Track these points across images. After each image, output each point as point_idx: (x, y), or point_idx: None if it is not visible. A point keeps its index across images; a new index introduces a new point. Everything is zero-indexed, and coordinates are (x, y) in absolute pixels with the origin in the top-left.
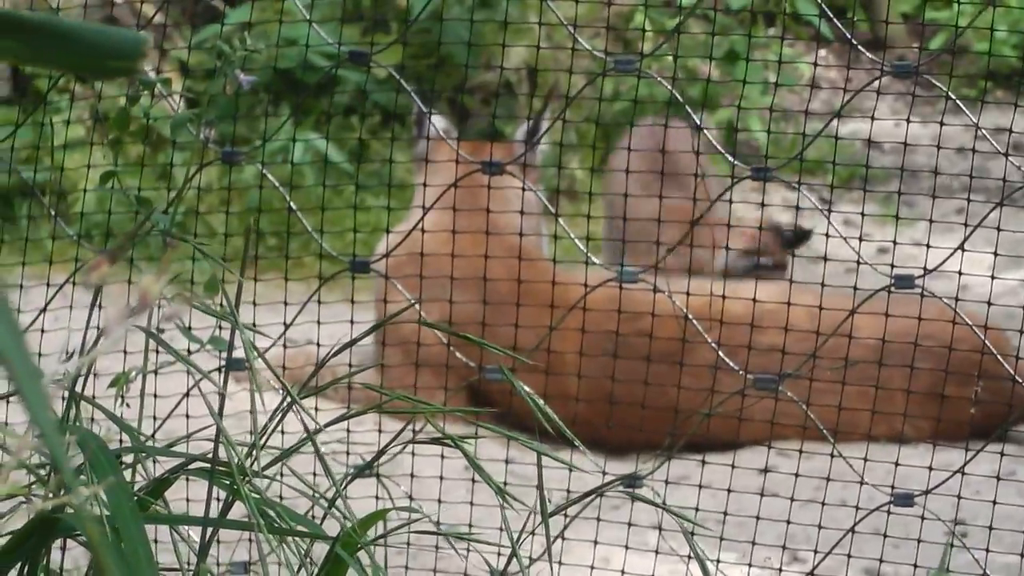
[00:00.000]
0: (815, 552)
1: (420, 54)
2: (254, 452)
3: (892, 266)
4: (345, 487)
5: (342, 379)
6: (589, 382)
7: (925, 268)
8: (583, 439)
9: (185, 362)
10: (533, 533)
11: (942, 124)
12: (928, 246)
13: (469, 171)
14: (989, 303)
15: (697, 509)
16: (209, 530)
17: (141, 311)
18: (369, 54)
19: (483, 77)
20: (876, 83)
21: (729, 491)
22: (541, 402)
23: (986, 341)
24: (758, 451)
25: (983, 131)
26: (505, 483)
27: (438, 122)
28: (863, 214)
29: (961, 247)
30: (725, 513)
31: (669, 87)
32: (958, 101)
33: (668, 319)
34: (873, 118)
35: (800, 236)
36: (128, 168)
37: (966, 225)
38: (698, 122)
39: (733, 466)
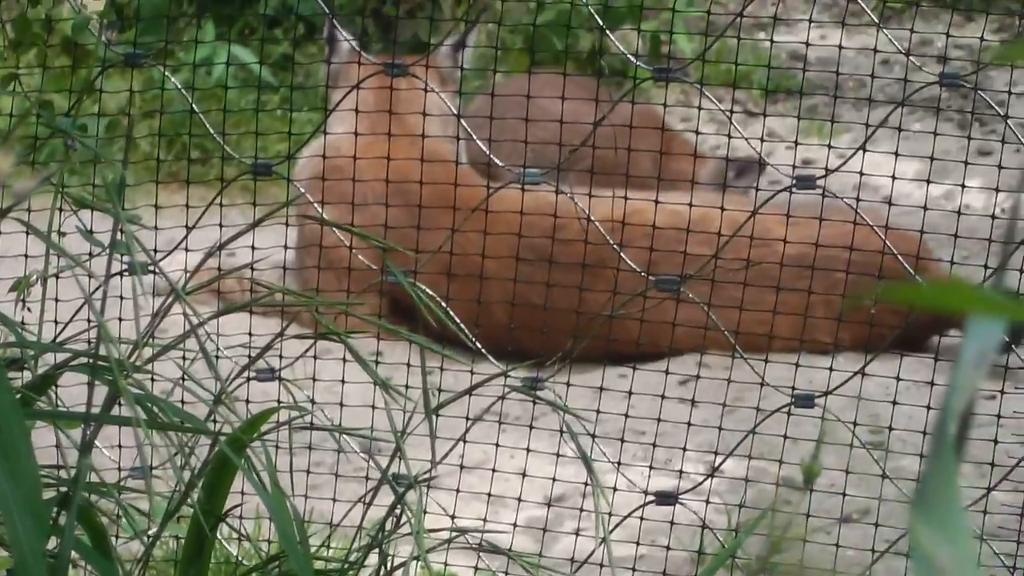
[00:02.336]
0: (714, 454)
1: None
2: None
3: (793, 167)
4: (230, 384)
5: (221, 276)
6: (515, 291)
7: (827, 168)
8: (511, 348)
9: (76, 263)
10: (455, 441)
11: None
12: (830, 146)
13: (373, 72)
14: (890, 203)
15: (598, 412)
16: (92, 427)
17: None
18: None
19: None
20: None
21: (629, 393)
22: (430, 304)
23: (887, 241)
24: (683, 361)
25: (884, 31)
26: (407, 386)
27: (350, 40)
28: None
29: (862, 148)
30: (626, 415)
31: None
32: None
33: (595, 225)
34: (810, 20)
35: (747, 167)
36: (48, 76)
37: (867, 125)
38: (600, 22)
39: (634, 368)
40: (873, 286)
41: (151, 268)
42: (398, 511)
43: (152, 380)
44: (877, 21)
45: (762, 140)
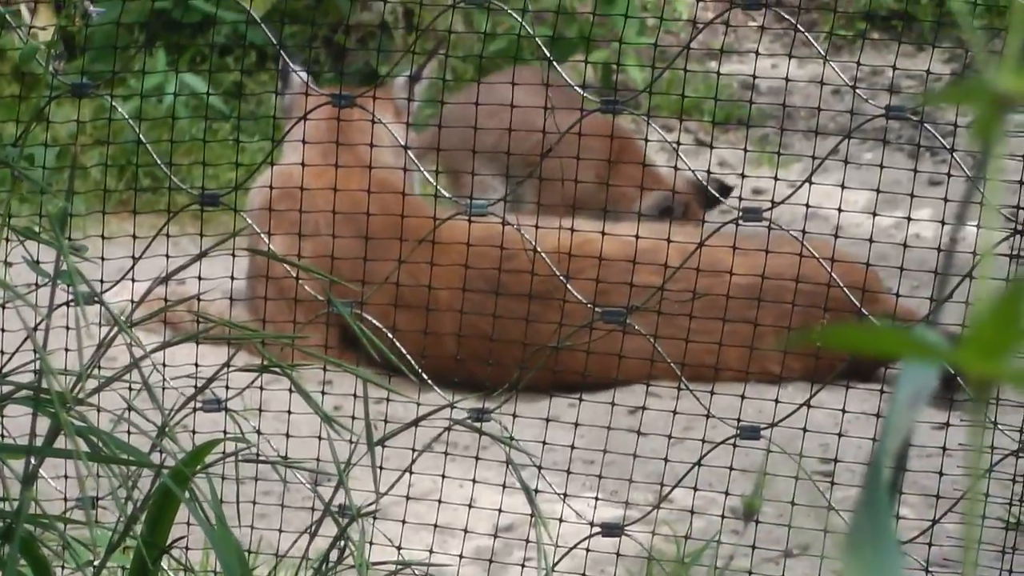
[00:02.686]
0: (660, 485)
1: None
2: (81, 380)
3: (740, 199)
4: (174, 417)
5: (169, 307)
6: (466, 321)
7: (772, 201)
8: (458, 380)
9: (17, 295)
10: (387, 468)
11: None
12: (776, 179)
13: (320, 103)
14: (836, 235)
15: (544, 443)
16: (34, 459)
17: None
18: None
19: (360, 16)
20: (726, 15)
21: (576, 424)
22: (372, 338)
23: (833, 274)
24: (632, 390)
25: (831, 64)
26: (353, 417)
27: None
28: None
29: (808, 180)
30: (572, 447)
31: (519, 18)
32: (808, 35)
33: (542, 257)
34: (757, 53)
35: (723, 191)
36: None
37: (813, 158)
38: (548, 54)
39: (580, 399)
40: (820, 319)
41: (97, 299)
42: (342, 543)
43: (98, 411)
44: (823, 54)
45: (708, 172)
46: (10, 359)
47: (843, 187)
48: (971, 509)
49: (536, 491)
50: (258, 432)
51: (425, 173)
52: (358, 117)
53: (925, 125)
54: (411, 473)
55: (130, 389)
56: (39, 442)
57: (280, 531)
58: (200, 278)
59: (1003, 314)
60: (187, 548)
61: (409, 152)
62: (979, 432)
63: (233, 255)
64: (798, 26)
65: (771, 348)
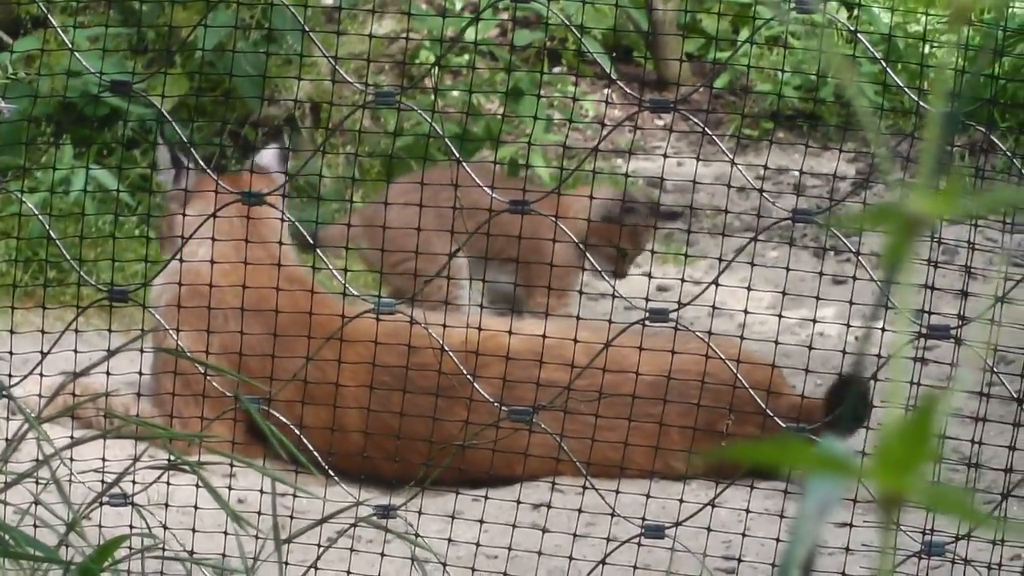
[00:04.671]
0: None
1: (206, 87)
2: None
3: (647, 299)
4: (82, 512)
5: (77, 404)
6: (373, 418)
7: (679, 302)
8: (366, 473)
9: None
10: (287, 563)
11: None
12: (683, 280)
13: (228, 202)
14: (742, 337)
15: (450, 540)
16: None
17: None
18: (131, 84)
19: (267, 111)
20: (636, 118)
21: (481, 522)
22: (280, 436)
23: (738, 375)
24: (537, 486)
25: (738, 167)
26: (259, 512)
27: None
28: (652, 251)
29: (715, 282)
30: (477, 544)
31: (428, 120)
32: (713, 136)
33: (449, 355)
34: (665, 156)
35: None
36: None
37: (720, 259)
38: (457, 154)
39: (486, 497)
40: (724, 416)
41: (5, 394)
42: None
43: (4, 505)
44: (731, 156)
45: (616, 278)
46: None
47: (749, 288)
48: None
49: None
50: (164, 527)
51: (333, 270)
52: (266, 215)
53: (832, 229)
54: (316, 569)
55: (37, 483)
56: None
57: None
58: (108, 373)
59: (913, 433)
60: None
61: (319, 252)
62: (888, 557)
63: (141, 351)
64: (705, 129)
65: (679, 442)
